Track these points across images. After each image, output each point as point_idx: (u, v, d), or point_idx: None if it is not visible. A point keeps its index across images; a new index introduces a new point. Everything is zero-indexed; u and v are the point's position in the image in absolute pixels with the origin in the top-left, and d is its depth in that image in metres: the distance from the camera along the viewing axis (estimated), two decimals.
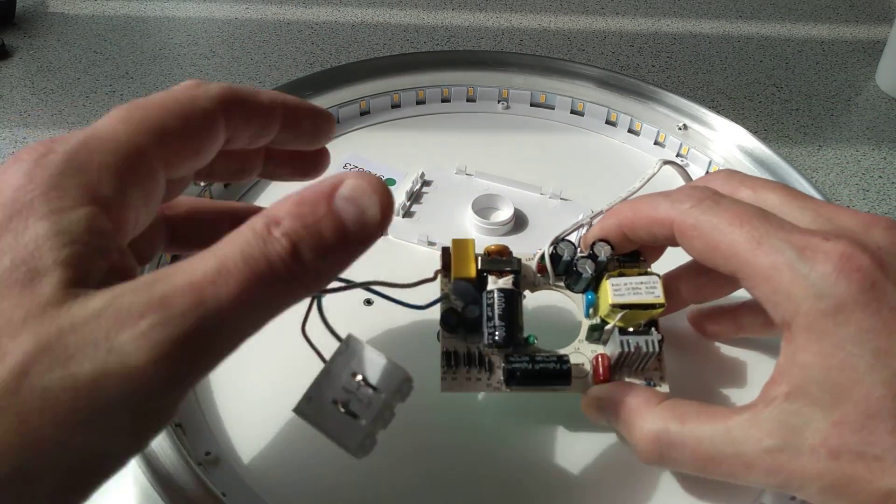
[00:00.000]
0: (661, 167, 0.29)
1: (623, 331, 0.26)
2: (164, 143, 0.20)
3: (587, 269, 0.27)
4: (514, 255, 0.28)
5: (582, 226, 0.29)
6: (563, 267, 0.28)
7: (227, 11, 0.67)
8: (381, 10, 0.68)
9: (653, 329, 0.27)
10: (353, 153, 0.41)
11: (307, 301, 0.23)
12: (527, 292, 0.28)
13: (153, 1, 0.68)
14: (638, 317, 0.26)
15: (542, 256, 0.28)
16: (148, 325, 0.16)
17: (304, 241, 0.17)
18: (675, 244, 0.26)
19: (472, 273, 0.27)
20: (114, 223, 0.18)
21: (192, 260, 0.17)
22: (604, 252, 0.27)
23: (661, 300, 0.26)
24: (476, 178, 0.40)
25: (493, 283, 0.27)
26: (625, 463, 0.29)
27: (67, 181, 0.18)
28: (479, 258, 0.27)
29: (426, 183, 0.39)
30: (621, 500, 0.28)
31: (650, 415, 0.25)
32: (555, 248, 0.28)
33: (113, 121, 0.19)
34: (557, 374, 0.26)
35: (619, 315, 0.26)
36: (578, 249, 0.28)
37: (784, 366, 0.23)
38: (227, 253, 0.17)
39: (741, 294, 0.28)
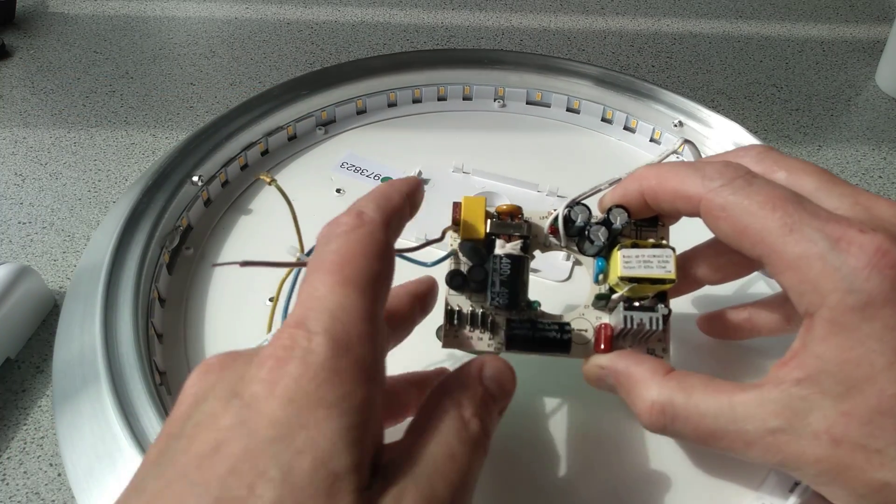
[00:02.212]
0: (682, 144, 0.28)
1: (629, 304, 0.26)
2: (381, 290, 0.20)
3: (599, 236, 0.26)
4: (526, 213, 0.27)
5: (599, 190, 0.28)
6: (575, 231, 0.27)
7: (227, 11, 0.68)
8: (381, 10, 0.68)
9: (659, 305, 0.26)
10: (349, 152, 0.41)
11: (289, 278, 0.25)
12: (537, 252, 0.27)
13: (153, 1, 0.69)
14: (646, 290, 0.25)
15: (556, 219, 0.27)
16: None
17: (483, 417, 0.21)
18: (696, 216, 0.25)
19: (481, 235, 0.26)
20: (378, 392, 0.19)
21: (420, 450, 0.19)
22: (619, 219, 0.26)
23: (672, 276, 0.25)
24: (473, 176, 0.40)
25: (501, 248, 0.26)
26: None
27: (340, 362, 0.18)
28: (490, 220, 0.27)
29: (423, 181, 0.39)
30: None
31: (656, 385, 0.24)
32: (569, 211, 0.27)
33: (336, 286, 0.19)
34: (557, 342, 0.26)
35: (627, 287, 0.25)
36: (593, 214, 0.27)
37: (798, 351, 0.23)
38: (447, 440, 0.20)
39: (751, 293, 0.28)
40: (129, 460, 0.26)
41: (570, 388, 0.29)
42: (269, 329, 0.26)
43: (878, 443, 0.21)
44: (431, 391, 0.22)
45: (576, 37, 0.66)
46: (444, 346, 0.27)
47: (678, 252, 0.29)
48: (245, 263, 0.22)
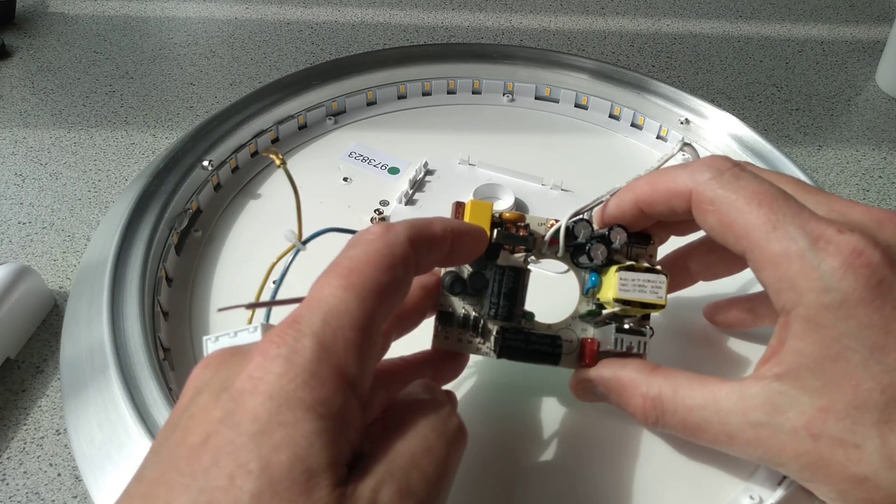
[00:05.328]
0: (681, 146, 0.29)
1: (619, 327, 0.27)
2: (384, 301, 0.20)
3: (599, 255, 0.27)
4: (528, 220, 0.27)
5: (600, 202, 0.28)
6: (575, 246, 0.27)
7: (227, 11, 0.67)
8: (381, 10, 0.68)
9: (646, 328, 0.27)
10: (358, 142, 0.41)
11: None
12: (532, 257, 0.28)
13: (153, 1, 0.68)
14: (636, 311, 0.26)
15: (557, 231, 0.27)
16: None
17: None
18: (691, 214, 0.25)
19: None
20: (359, 400, 0.19)
21: (398, 444, 0.20)
22: (619, 239, 0.26)
23: (663, 301, 0.26)
24: (478, 168, 0.40)
25: (505, 260, 0.26)
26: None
27: (322, 366, 0.18)
28: (495, 230, 0.27)
29: (429, 172, 0.39)
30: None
31: (644, 383, 0.25)
32: (573, 225, 0.27)
33: (338, 290, 0.20)
34: (548, 355, 0.27)
35: (619, 307, 0.26)
36: (594, 230, 0.27)
37: (777, 348, 0.23)
38: (425, 434, 0.20)
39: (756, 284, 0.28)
40: (133, 435, 0.27)
41: (559, 389, 0.30)
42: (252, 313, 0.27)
43: (856, 438, 0.21)
44: (412, 385, 0.23)
45: (576, 37, 0.66)
46: (434, 346, 0.27)
47: (673, 248, 0.29)
48: (251, 305, 0.23)
